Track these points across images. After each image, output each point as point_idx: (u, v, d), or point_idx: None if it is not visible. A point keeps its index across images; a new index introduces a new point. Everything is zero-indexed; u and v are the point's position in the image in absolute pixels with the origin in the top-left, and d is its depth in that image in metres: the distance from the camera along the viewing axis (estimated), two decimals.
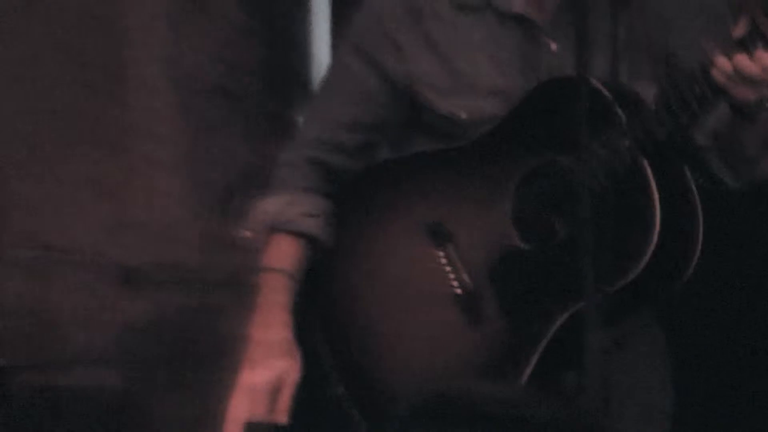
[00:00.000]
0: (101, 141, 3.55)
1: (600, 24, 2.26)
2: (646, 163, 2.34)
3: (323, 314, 2.58)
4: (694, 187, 2.40)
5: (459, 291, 2.49)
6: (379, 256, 2.56)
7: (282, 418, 2.49)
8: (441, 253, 2.51)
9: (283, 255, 2.57)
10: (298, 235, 2.57)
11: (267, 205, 2.59)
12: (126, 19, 3.56)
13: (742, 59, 2.25)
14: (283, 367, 2.51)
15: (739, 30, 2.27)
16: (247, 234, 2.60)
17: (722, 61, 2.26)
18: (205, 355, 3.50)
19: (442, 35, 2.55)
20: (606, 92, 2.33)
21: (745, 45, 2.25)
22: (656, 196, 2.34)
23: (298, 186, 2.60)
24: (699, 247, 2.38)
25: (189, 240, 3.60)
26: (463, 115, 2.52)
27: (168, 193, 3.60)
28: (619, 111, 2.34)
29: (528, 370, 2.40)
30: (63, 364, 3.51)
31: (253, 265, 2.59)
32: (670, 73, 2.43)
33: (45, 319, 3.53)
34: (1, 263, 3.57)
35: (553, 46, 2.48)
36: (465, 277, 2.49)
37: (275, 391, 2.50)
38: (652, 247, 2.32)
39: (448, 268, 2.50)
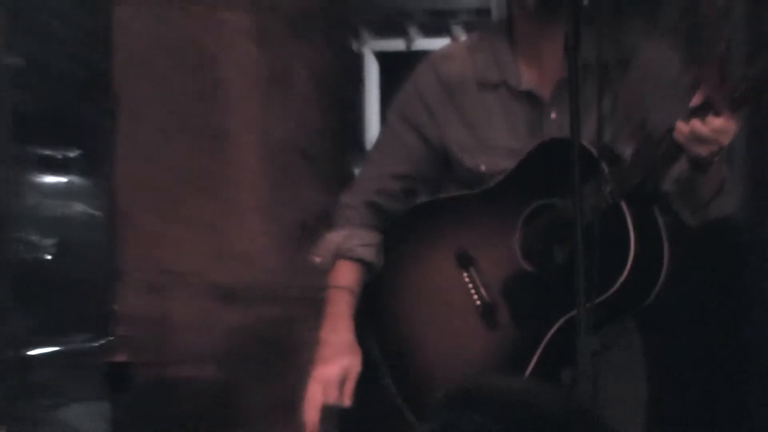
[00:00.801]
0: (207, 190, 3.48)
1: (589, 97, 2.24)
2: (623, 204, 2.37)
3: (376, 322, 2.62)
4: (661, 223, 2.41)
5: (479, 304, 2.53)
6: (418, 277, 2.59)
7: (347, 402, 2.54)
8: (465, 274, 2.55)
9: (345, 276, 2.61)
10: (357, 260, 2.61)
11: (333, 237, 2.65)
12: (227, 96, 3.50)
13: (696, 123, 2.28)
14: (347, 363, 2.55)
15: (695, 101, 2.30)
16: (318, 260, 2.65)
17: (682, 125, 2.29)
18: (286, 354, 3.46)
19: (469, 107, 2.58)
20: (593, 150, 2.34)
21: (699, 112, 2.28)
22: (632, 229, 2.36)
23: (356, 223, 2.64)
24: (665, 268, 2.39)
25: (273, 265, 3.55)
26: (483, 168, 2.56)
27: (257, 229, 3.50)
28: (603, 164, 2.36)
29: (531, 367, 2.43)
30: (175, 361, 3.49)
31: (322, 284, 2.64)
32: (643, 135, 2.45)
33: (161, 326, 3.51)
34: (128, 283, 3.54)
35: (553, 115, 2.52)
36: (483, 292, 2.52)
37: (342, 381, 2.54)
38: (628, 268, 2.35)
39: (470, 286, 2.54)
